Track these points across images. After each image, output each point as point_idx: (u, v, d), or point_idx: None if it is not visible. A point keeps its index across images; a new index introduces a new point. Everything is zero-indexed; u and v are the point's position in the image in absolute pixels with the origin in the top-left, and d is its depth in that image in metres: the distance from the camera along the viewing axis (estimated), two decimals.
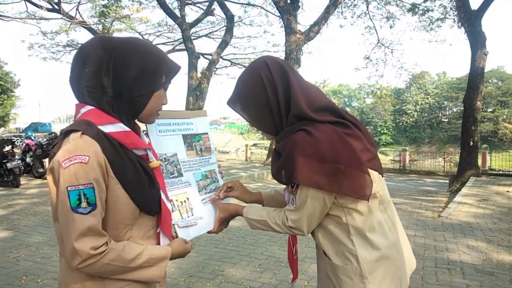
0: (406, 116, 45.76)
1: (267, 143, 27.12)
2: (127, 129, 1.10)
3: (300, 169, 1.16)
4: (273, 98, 1.26)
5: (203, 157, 1.51)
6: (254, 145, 29.69)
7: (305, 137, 1.18)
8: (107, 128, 1.06)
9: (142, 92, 1.10)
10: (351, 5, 17.60)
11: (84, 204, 0.95)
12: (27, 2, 15.05)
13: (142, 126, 1.25)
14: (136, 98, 1.10)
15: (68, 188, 0.94)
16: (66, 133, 1.05)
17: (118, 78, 1.07)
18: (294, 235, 1.35)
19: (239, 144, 39.88)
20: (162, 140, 1.37)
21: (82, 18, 16.94)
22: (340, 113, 1.28)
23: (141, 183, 1.10)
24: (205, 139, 1.53)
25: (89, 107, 1.08)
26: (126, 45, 1.09)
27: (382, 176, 1.32)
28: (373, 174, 1.25)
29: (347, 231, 1.23)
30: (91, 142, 1.00)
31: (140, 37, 18.30)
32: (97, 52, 1.06)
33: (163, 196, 1.18)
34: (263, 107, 1.28)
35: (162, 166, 1.29)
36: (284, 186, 1.36)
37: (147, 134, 1.29)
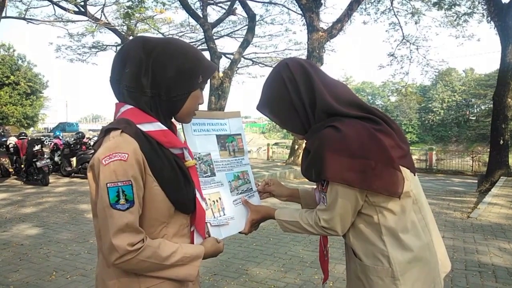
0: (432, 114, 44.65)
1: (288, 142, 27.01)
2: (165, 128, 1.11)
3: (329, 165, 1.15)
4: (296, 97, 1.27)
5: (236, 158, 1.52)
6: (276, 144, 29.62)
7: (333, 133, 1.16)
8: (146, 127, 1.08)
9: (179, 92, 1.11)
10: (374, 1, 17.29)
11: (122, 200, 0.97)
12: (55, 6, 15.51)
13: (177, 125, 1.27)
14: (174, 98, 1.11)
15: (108, 184, 0.96)
16: (106, 131, 1.07)
17: (156, 78, 1.08)
18: (327, 235, 1.32)
19: (260, 143, 39.89)
20: (197, 139, 1.39)
21: (107, 20, 17.33)
22: (369, 109, 1.27)
23: (177, 182, 1.11)
24: (238, 140, 1.54)
25: (129, 106, 1.10)
26: (165, 45, 1.10)
27: (415, 175, 1.28)
28: (406, 171, 1.21)
29: (379, 231, 1.20)
30: (131, 140, 1.02)
31: None
32: (137, 53, 1.08)
33: (198, 195, 1.18)
34: (288, 107, 1.29)
35: (196, 165, 1.30)
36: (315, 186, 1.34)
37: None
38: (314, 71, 1.29)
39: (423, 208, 1.28)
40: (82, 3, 15.25)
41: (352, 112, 1.22)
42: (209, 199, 1.34)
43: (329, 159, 1.15)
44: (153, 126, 1.09)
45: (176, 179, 1.10)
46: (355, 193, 1.17)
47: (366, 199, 1.19)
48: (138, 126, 1.07)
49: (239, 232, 1.42)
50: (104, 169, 0.97)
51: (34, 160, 9.52)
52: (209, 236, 1.28)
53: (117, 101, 1.14)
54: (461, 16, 15.41)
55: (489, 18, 11.27)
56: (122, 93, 1.10)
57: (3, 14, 10.91)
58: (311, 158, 1.22)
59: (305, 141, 1.33)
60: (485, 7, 11.99)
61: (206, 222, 1.27)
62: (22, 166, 10.29)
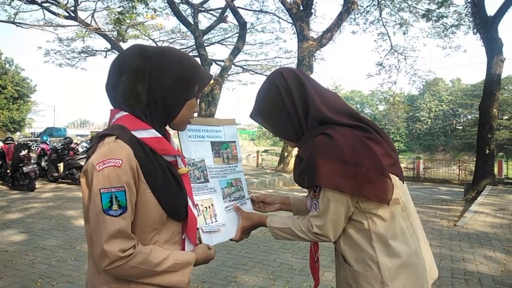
0: (420, 123, 45.28)
1: (278, 149, 27.08)
2: (159, 135, 1.12)
3: (321, 172, 1.17)
4: (290, 105, 1.29)
5: (230, 165, 1.52)
6: (265, 151, 29.67)
7: (325, 140, 1.19)
8: (140, 134, 1.08)
9: (175, 100, 1.13)
10: (363, 11, 17.56)
11: (115, 206, 0.97)
12: (44, 10, 15.39)
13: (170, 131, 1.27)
14: (170, 106, 1.13)
15: (101, 190, 0.97)
16: (101, 137, 1.07)
17: (152, 87, 1.09)
18: (320, 242, 1.34)
19: (250, 150, 39.90)
20: (191, 145, 1.40)
21: (98, 25, 17.22)
22: (360, 118, 1.30)
23: (170, 189, 1.11)
24: (232, 147, 1.55)
25: (124, 113, 1.11)
26: (162, 55, 1.12)
27: (403, 183, 1.31)
28: (395, 179, 1.24)
29: (369, 237, 1.22)
30: (125, 146, 1.03)
31: (154, 44, 18.53)
32: (134, 61, 1.09)
33: (190, 203, 1.19)
34: (282, 115, 1.31)
35: (190, 171, 1.30)
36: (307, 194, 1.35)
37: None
38: (307, 80, 1.31)
39: (411, 215, 1.31)
40: (72, 8, 15.16)
41: (343, 121, 1.25)
42: (201, 205, 1.35)
43: (321, 166, 1.17)
44: (147, 133, 1.09)
45: (169, 186, 1.11)
46: (347, 199, 1.19)
47: (357, 205, 1.21)
48: (133, 132, 1.07)
49: (230, 239, 1.42)
50: (98, 174, 0.97)
51: (20, 165, 9.38)
52: (200, 242, 1.28)
53: (112, 108, 1.14)
54: (448, 28, 15.74)
55: (475, 30, 11.52)
56: (118, 100, 1.11)
57: None
58: (304, 165, 1.24)
59: (297, 149, 1.35)
60: (471, 19, 12.26)
61: (198, 228, 1.27)
62: (8, 171, 10.11)
